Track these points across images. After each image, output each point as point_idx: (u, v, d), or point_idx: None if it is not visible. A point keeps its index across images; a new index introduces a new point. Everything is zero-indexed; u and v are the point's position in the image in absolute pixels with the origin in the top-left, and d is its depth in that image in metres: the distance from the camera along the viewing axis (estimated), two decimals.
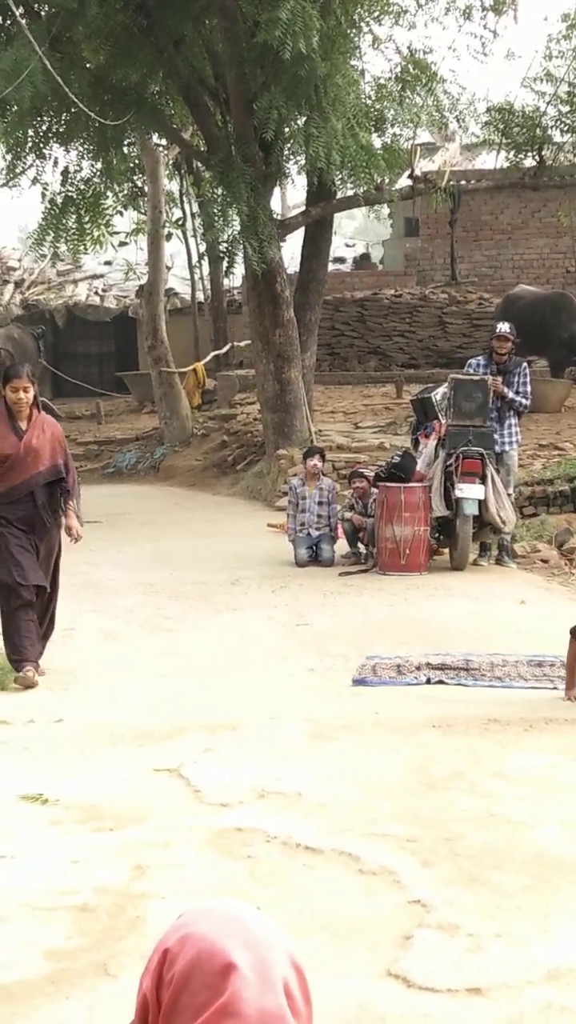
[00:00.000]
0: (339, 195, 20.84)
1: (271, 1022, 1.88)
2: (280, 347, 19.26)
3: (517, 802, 6.29)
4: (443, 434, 13.75)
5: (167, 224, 28.37)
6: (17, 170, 20.78)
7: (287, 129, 18.51)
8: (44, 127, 19.96)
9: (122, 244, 33.44)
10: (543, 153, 22.07)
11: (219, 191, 18.15)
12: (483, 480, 13.19)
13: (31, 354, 30.74)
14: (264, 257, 17.91)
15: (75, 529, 9.53)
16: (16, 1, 17.86)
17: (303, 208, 21.85)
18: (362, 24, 19.78)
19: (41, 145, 20.23)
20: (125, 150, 22.24)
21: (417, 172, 22.77)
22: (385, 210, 28.68)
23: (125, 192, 25.93)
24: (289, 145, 19.41)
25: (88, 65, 19.72)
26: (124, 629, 11.00)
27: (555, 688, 8.66)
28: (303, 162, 19.00)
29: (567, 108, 21.73)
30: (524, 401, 14.10)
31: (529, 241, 32.02)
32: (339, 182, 19.54)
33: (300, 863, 5.55)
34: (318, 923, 4.90)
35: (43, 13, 18.84)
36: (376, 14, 19.82)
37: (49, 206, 20.54)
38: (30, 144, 20.04)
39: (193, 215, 31.13)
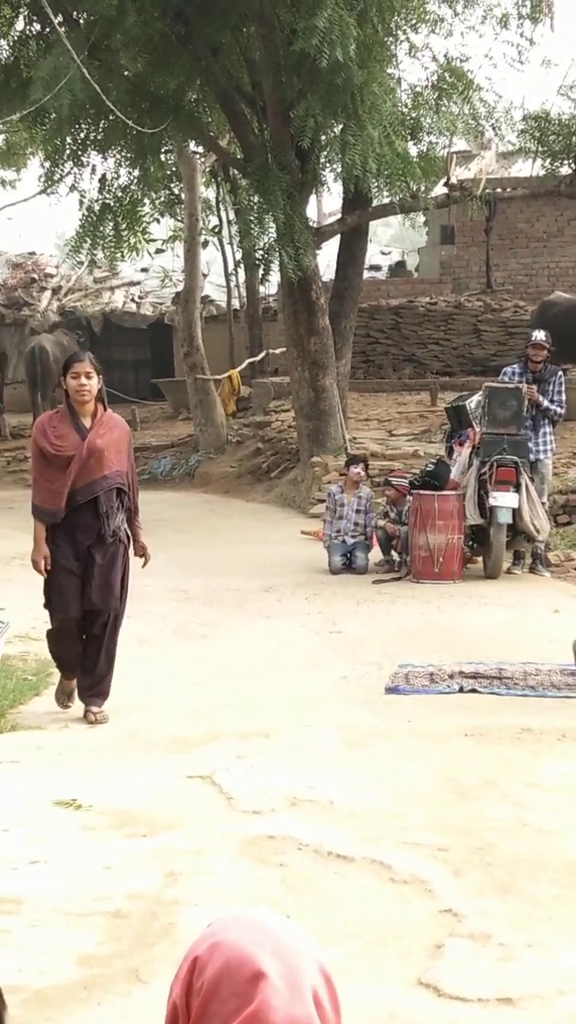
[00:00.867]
0: (375, 203, 20.84)
1: None
2: (315, 354, 19.27)
3: (550, 811, 6.29)
4: (477, 442, 13.74)
5: (203, 231, 28.44)
6: (55, 177, 20.87)
7: (323, 137, 18.53)
8: (82, 135, 20.02)
9: (159, 251, 33.49)
10: None
11: (255, 198, 18.19)
12: (517, 488, 13.18)
13: None
14: (300, 264, 17.93)
15: (144, 548, 8.61)
16: (55, 9, 17.96)
17: (339, 216, 21.88)
18: (398, 32, 19.79)
19: (79, 152, 20.30)
20: (162, 157, 22.31)
21: (453, 180, 22.76)
22: (421, 218, 28.64)
23: (162, 199, 26.01)
24: (325, 153, 19.43)
25: (126, 73, 19.78)
26: (158, 636, 11.02)
27: None
28: (339, 170, 19.00)
29: None
30: (559, 410, 14.08)
31: (565, 249, 31.90)
32: (375, 190, 19.55)
33: (332, 871, 5.56)
34: (349, 931, 4.91)
35: (81, 21, 18.92)
36: (413, 22, 19.83)
37: (87, 213, 20.60)
38: (68, 151, 20.11)
39: (229, 222, 31.16)
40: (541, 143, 21.90)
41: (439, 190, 23.36)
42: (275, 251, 18.14)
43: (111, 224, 20.96)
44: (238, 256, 30.89)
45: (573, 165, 21.95)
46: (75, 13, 19.16)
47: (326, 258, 23.99)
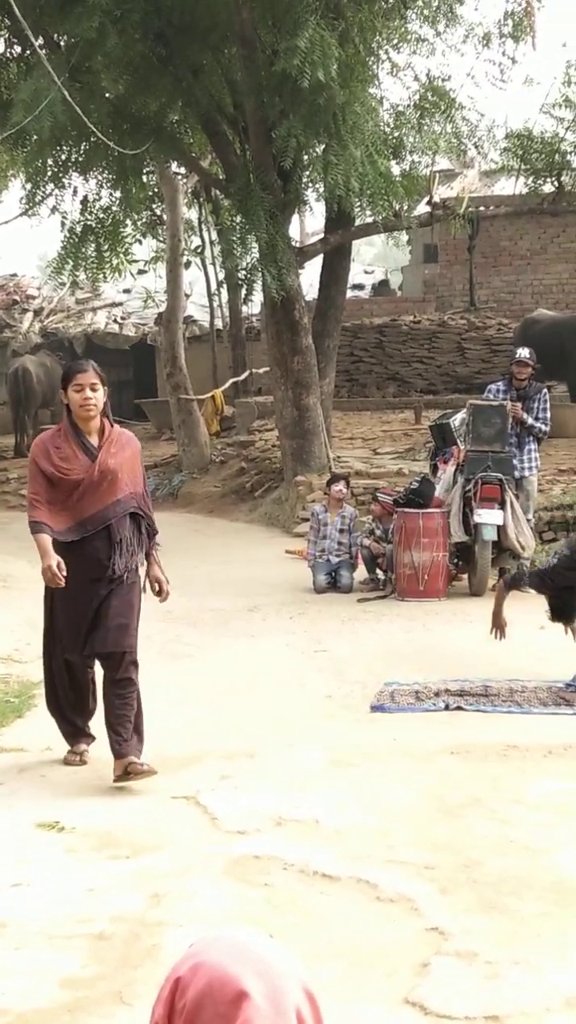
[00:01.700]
0: (358, 222, 20.88)
1: None
2: (298, 374, 19.27)
3: (536, 829, 6.27)
4: (462, 460, 13.75)
5: (186, 252, 28.45)
6: (36, 199, 20.86)
7: (306, 157, 18.55)
8: (63, 156, 20.03)
9: (141, 272, 33.50)
10: (562, 179, 22.07)
11: (238, 219, 18.22)
12: (502, 505, 13.18)
13: (59, 381, 30.90)
14: (283, 284, 17.94)
15: (161, 582, 7.59)
16: (35, 32, 17.97)
17: (321, 235, 21.91)
18: (380, 52, 19.84)
19: (60, 174, 20.31)
20: (144, 179, 22.32)
21: (436, 199, 22.80)
22: (404, 237, 28.65)
23: (144, 220, 25.98)
24: (308, 173, 19.45)
25: (107, 95, 19.81)
26: (142, 656, 10.96)
27: (575, 714, 8.63)
28: (322, 189, 19.02)
29: None
30: (543, 427, 14.10)
31: (548, 267, 32.00)
32: (358, 209, 19.59)
33: (317, 890, 5.54)
34: (335, 951, 4.89)
35: (62, 43, 18.95)
36: (394, 42, 19.89)
37: (68, 235, 20.62)
38: (49, 173, 20.11)
39: (212, 243, 31.22)
40: (524, 161, 21.97)
41: (422, 209, 23.40)
42: (258, 271, 18.15)
43: (93, 245, 20.97)
44: (221, 276, 31.05)
45: (556, 183, 22.04)
46: (56, 35, 19.19)
47: (309, 277, 23.97)
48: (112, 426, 7.49)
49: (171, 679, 10.08)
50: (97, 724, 7.76)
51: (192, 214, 31.07)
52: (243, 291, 20.26)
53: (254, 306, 31.27)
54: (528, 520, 13.78)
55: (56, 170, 20.12)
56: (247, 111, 18.42)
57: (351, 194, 17.63)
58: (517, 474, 13.78)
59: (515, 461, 13.79)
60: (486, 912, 5.25)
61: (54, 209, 20.90)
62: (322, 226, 22.96)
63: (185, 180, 26.26)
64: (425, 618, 12.40)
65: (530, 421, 13.89)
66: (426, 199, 22.79)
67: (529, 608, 11.32)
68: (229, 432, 27.36)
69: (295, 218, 27.38)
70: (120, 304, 37.69)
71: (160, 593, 7.61)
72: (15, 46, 20.73)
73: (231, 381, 29.42)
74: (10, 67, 20.64)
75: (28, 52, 19.51)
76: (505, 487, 13.28)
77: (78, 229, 20.70)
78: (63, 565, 7.15)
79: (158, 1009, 1.99)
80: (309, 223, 38.57)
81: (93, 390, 7.28)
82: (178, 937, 4.97)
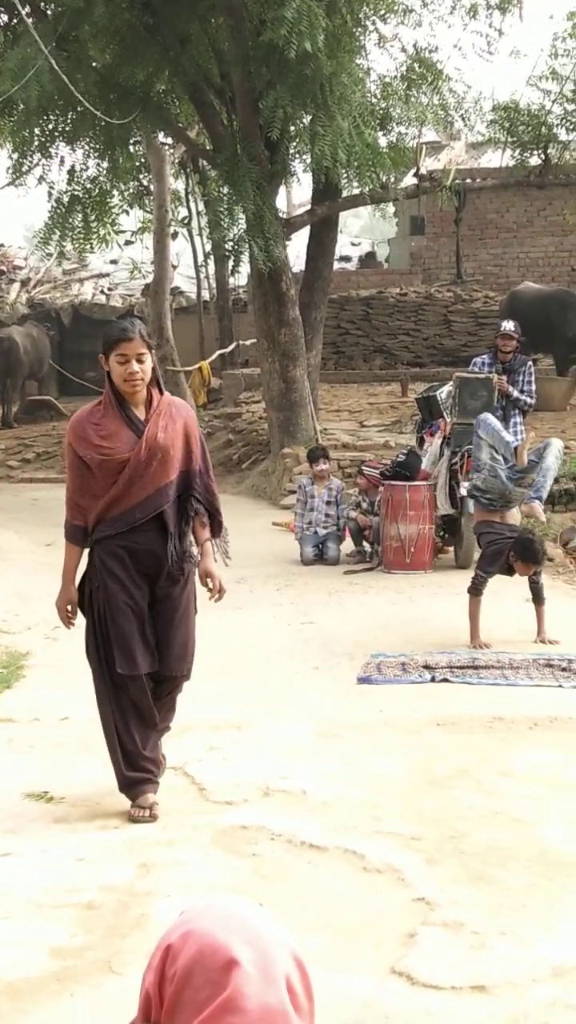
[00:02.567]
0: (345, 194, 20.81)
1: (273, 1018, 1.89)
2: (285, 345, 19.25)
3: (522, 800, 6.31)
4: (448, 432, 13.76)
5: (173, 223, 28.37)
6: (23, 169, 20.77)
7: (293, 128, 18.49)
8: (50, 126, 19.94)
9: (128, 243, 33.40)
10: (548, 151, 22.04)
11: (225, 190, 18.16)
12: None
13: (46, 352, 30.80)
14: (270, 256, 17.90)
15: (216, 578, 6.44)
16: (22, 0, 17.88)
17: (308, 207, 21.85)
18: (367, 23, 19.76)
19: (47, 144, 20.22)
20: (131, 149, 22.21)
21: (423, 171, 22.74)
22: (390, 209, 28.56)
23: (131, 191, 25.87)
24: (295, 144, 19.39)
25: (94, 64, 19.71)
26: None
27: (560, 687, 8.67)
28: (309, 161, 18.96)
29: (572, 106, 21.72)
30: (529, 400, 14.11)
31: (535, 239, 31.99)
32: (345, 181, 19.53)
33: (304, 861, 5.57)
34: (322, 921, 4.92)
35: (49, 12, 18.84)
36: (382, 13, 19.80)
37: (55, 205, 20.53)
38: (36, 143, 20.03)
39: (199, 214, 31.13)
40: (510, 133, 21.93)
41: (409, 181, 23.37)
42: (245, 242, 18.09)
43: (80, 216, 20.90)
44: (208, 247, 30.96)
45: (542, 156, 22.00)
46: (43, 4, 19.10)
47: (296, 249, 23.93)
48: (161, 395, 6.34)
49: None
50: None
51: (179, 185, 30.97)
52: (230, 262, 20.26)
53: (241, 278, 31.23)
54: None
55: (43, 140, 20.02)
56: (234, 81, 18.34)
57: (338, 165, 17.57)
58: None
59: None
60: (472, 883, 5.28)
61: (41, 179, 20.80)
62: (309, 197, 22.90)
63: (172, 150, 26.16)
64: (412, 590, 12.42)
65: (515, 394, 13.90)
66: (413, 171, 22.73)
67: (514, 581, 11.35)
68: (216, 404, 27.33)
69: (282, 189, 27.30)
70: (107, 275, 37.59)
71: (213, 591, 6.47)
72: (2, 15, 20.60)
73: (218, 353, 29.37)
74: None
75: (15, 21, 19.41)
76: None
77: (65, 199, 20.61)
78: (75, 607, 6.44)
79: (148, 976, 2.01)
80: (296, 194, 38.47)
81: (140, 361, 6.15)
82: (166, 907, 5.00)
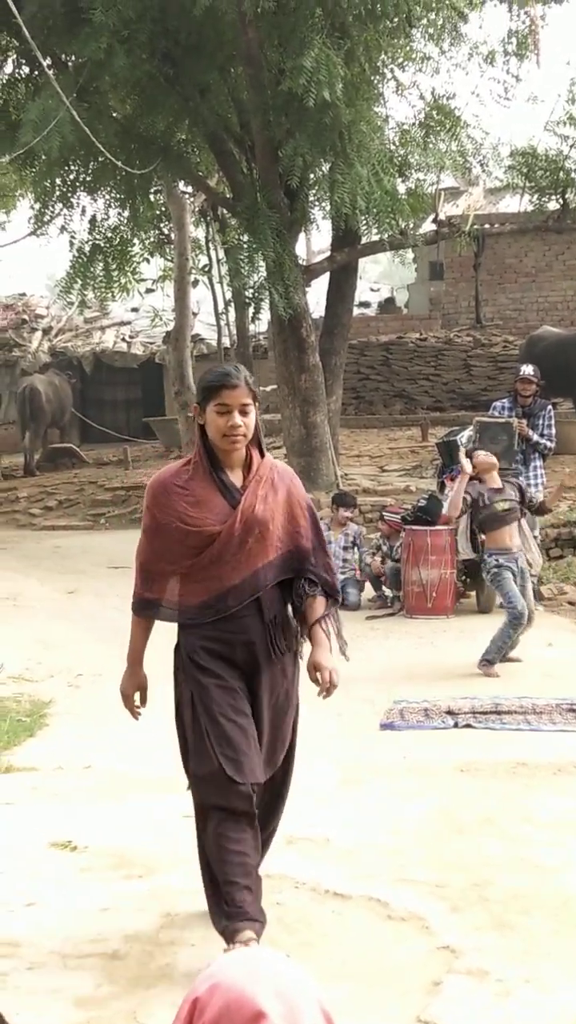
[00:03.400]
0: (364, 240, 20.92)
1: None
2: (306, 391, 19.32)
3: (546, 847, 6.28)
4: None
5: (193, 271, 28.49)
6: (45, 218, 20.97)
7: (312, 175, 18.63)
8: (72, 176, 20.14)
9: (149, 291, 33.52)
10: (567, 196, 22.12)
11: (245, 238, 18.27)
12: None
13: (68, 400, 30.94)
14: (290, 303, 17.99)
15: (327, 671, 5.42)
16: (44, 52, 18.07)
17: (328, 253, 21.96)
18: (385, 71, 19.93)
19: (69, 194, 20.41)
20: (152, 198, 22.39)
21: (441, 216, 22.88)
22: (410, 254, 28.74)
23: (152, 239, 26.07)
24: (314, 191, 19.53)
25: (115, 114, 19.91)
26: (154, 675, 10.98)
27: None
28: (328, 208, 19.10)
29: None
30: (549, 444, 14.12)
31: (553, 283, 32.04)
32: (364, 227, 19.63)
33: (329, 909, 5.56)
34: (347, 970, 4.90)
35: (70, 64, 19.06)
36: (399, 61, 19.97)
37: (77, 254, 20.70)
38: (58, 193, 20.23)
39: (219, 261, 31.22)
40: (528, 179, 22.03)
41: (428, 227, 23.48)
42: (265, 289, 18.21)
43: (101, 264, 21.06)
44: (228, 295, 31.01)
45: (560, 200, 22.08)
46: (64, 56, 19.31)
47: (316, 295, 24.10)
48: (262, 457, 5.32)
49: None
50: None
51: (199, 233, 31.11)
52: (250, 310, 20.30)
53: (261, 324, 31.33)
54: (535, 537, 13.78)
55: (64, 189, 20.23)
56: (253, 130, 18.49)
57: (357, 212, 17.68)
58: None
59: (521, 478, 13.81)
60: (497, 930, 5.27)
61: (62, 228, 21.00)
62: (328, 244, 22.99)
63: (192, 199, 26.32)
64: (433, 635, 12.41)
65: (535, 438, 13.92)
66: (432, 217, 22.85)
67: (536, 625, 11.34)
68: None
69: (302, 236, 27.47)
70: (128, 323, 37.75)
71: (322, 686, 5.46)
72: (24, 66, 20.83)
73: None
74: (19, 87, 20.74)
75: (36, 72, 19.62)
76: None
77: (86, 248, 20.78)
78: (144, 692, 5.61)
79: None
80: (315, 241, 38.63)
81: (244, 413, 5.16)
82: (191, 957, 5.00)
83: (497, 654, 10.68)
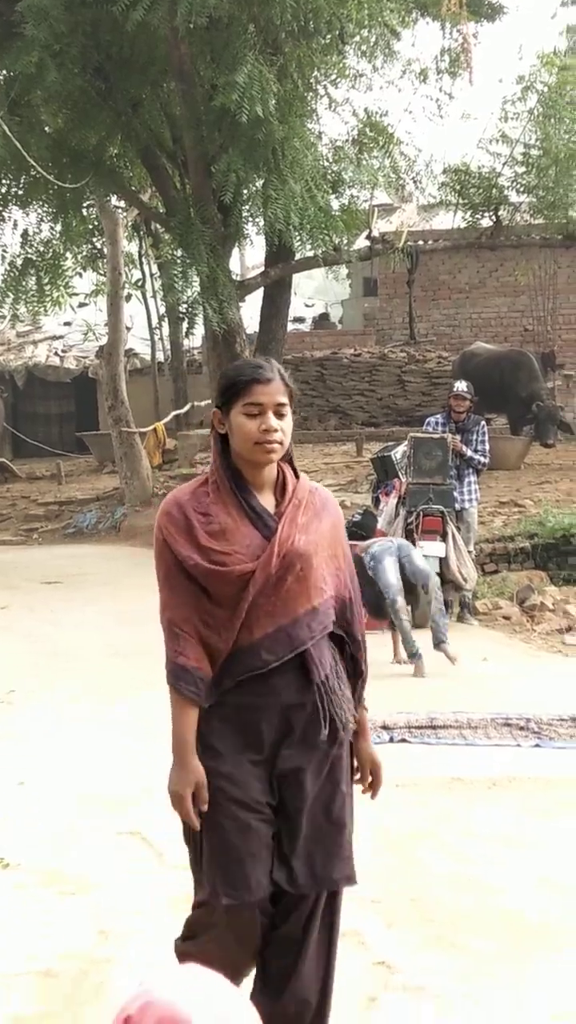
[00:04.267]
0: (298, 256, 20.97)
1: None
2: None
3: (482, 861, 6.28)
4: (403, 492, 13.81)
5: (126, 285, 28.47)
6: None
7: (245, 191, 18.63)
8: (3, 190, 20.05)
9: (82, 305, 33.50)
10: (499, 213, 22.30)
11: (179, 252, 18.24)
12: (444, 537, 13.24)
13: (0, 415, 30.82)
14: (224, 318, 17.98)
15: (379, 767, 4.38)
16: None
17: (262, 269, 21.99)
18: (318, 87, 20.00)
19: (0, 208, 20.31)
20: (84, 212, 22.35)
21: (375, 233, 22.98)
22: (344, 270, 28.92)
23: (84, 254, 26.03)
24: (248, 207, 19.53)
25: (47, 128, 19.83)
26: (90, 694, 10.93)
27: (518, 746, 8.66)
28: (262, 224, 19.11)
29: (522, 169, 21.97)
30: (483, 459, 14.19)
31: (487, 300, 32.24)
32: (298, 243, 19.67)
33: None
34: None
35: (1, 78, 18.96)
36: (332, 77, 20.03)
37: (9, 268, 20.64)
38: None
39: (152, 276, 31.25)
40: (462, 196, 22.19)
41: (361, 243, 23.56)
42: (199, 304, 18.19)
43: (34, 278, 20.99)
44: (162, 309, 31.00)
45: (493, 217, 22.24)
46: None
47: (250, 310, 24.10)
48: (297, 478, 4.20)
49: (118, 714, 10.03)
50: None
51: (132, 247, 31.12)
52: (184, 324, 20.28)
53: (195, 339, 31.34)
54: (469, 552, 13.84)
55: None
56: (186, 145, 18.47)
57: (291, 228, 17.69)
58: (458, 506, 13.86)
59: (455, 493, 13.87)
60: (434, 946, 5.25)
61: None
62: (262, 259, 23.04)
63: (125, 214, 26.29)
64: (369, 650, 12.37)
65: (469, 453, 13.98)
66: (365, 233, 22.95)
67: (471, 640, 11.38)
68: (171, 465, 27.36)
69: (235, 251, 27.49)
70: (61, 337, 37.68)
71: (364, 782, 4.36)
72: None
73: (173, 414, 29.43)
74: None
75: None
76: (447, 519, 13.35)
77: (18, 263, 20.71)
78: (204, 788, 3.94)
79: None
80: (249, 256, 38.74)
81: (279, 415, 4.08)
82: (125, 975, 4.95)
83: (444, 632, 10.91)
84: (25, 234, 21.03)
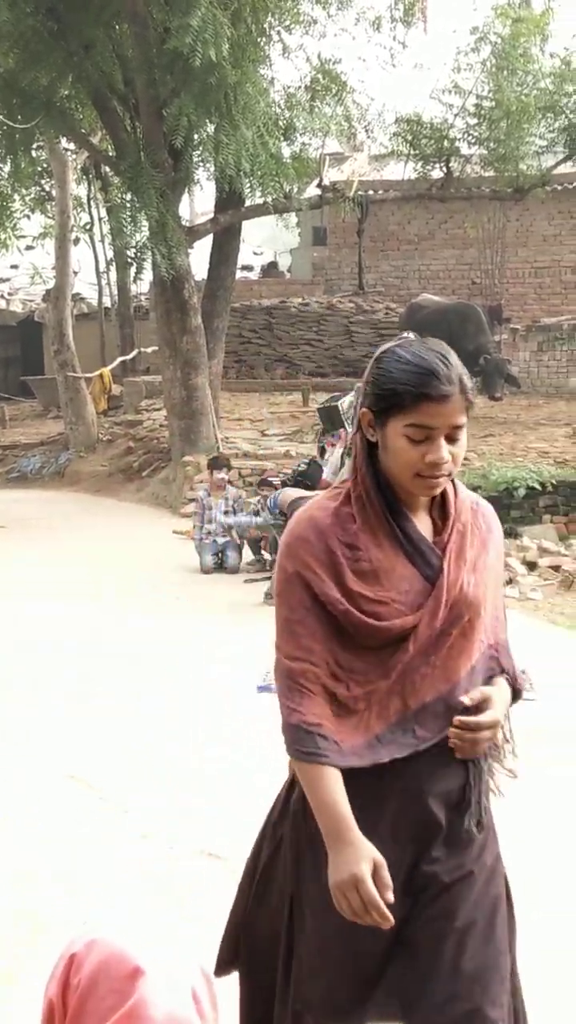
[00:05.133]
0: (248, 203, 20.87)
1: None
2: (187, 353, 19.25)
3: None
4: (349, 442, 13.80)
5: (75, 229, 28.24)
6: None
7: (197, 136, 18.49)
8: None
9: (29, 248, 33.22)
10: (450, 165, 22.26)
11: (128, 197, 18.10)
12: None
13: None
14: (172, 263, 17.88)
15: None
16: None
17: (212, 215, 21.87)
18: (272, 33, 19.83)
19: None
20: (33, 154, 22.12)
21: (326, 181, 22.89)
22: (293, 219, 28.75)
23: (33, 196, 25.81)
24: (198, 152, 19.39)
25: None
26: (30, 638, 10.93)
27: None
28: (212, 169, 19.00)
29: (474, 120, 21.94)
30: None
31: (435, 252, 32.23)
32: (248, 190, 19.56)
33: (206, 868, 5.55)
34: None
35: None
36: (286, 23, 19.89)
37: None
38: None
39: (101, 220, 31.03)
40: (413, 146, 22.13)
41: (312, 191, 23.47)
42: (148, 249, 18.08)
43: None
44: (110, 254, 30.85)
45: (444, 169, 22.20)
46: None
47: (199, 257, 23.94)
48: (457, 495, 3.26)
49: (64, 655, 10.02)
50: None
51: (82, 191, 30.86)
52: (132, 269, 20.16)
53: (143, 285, 31.18)
54: None
55: None
56: (138, 88, 18.30)
57: (242, 174, 17.59)
58: None
59: None
60: None
61: None
62: (212, 206, 22.89)
63: (75, 156, 26.05)
64: None
65: None
66: (316, 181, 22.87)
67: None
68: (116, 411, 27.27)
69: (185, 197, 27.31)
70: (7, 280, 37.40)
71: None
72: None
73: (119, 360, 29.31)
74: None
75: None
76: None
77: None
78: (381, 866, 2.91)
79: (52, 986, 2.00)
80: (199, 202, 38.50)
81: (453, 440, 3.06)
82: (65, 916, 4.97)
83: None
84: None
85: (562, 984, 4.52)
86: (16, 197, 22.47)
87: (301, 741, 3.01)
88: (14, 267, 37.26)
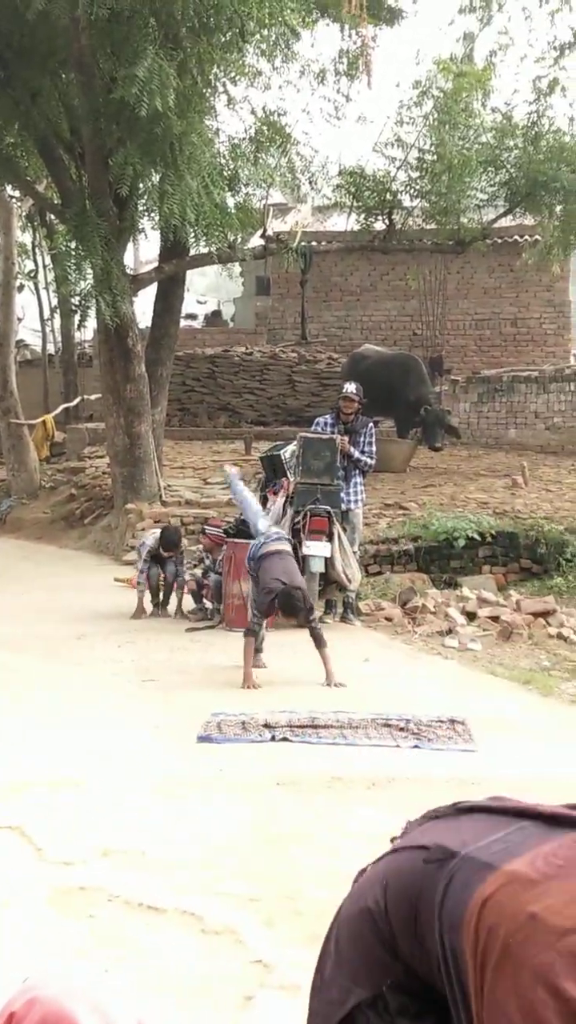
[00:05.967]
0: (192, 252, 20.96)
1: None
2: (131, 401, 19.26)
3: (361, 860, 6.31)
4: (291, 491, 13.84)
5: (19, 275, 28.23)
6: None
7: (142, 185, 18.56)
8: None
9: None
10: (393, 217, 22.46)
11: (73, 244, 18.13)
12: (330, 538, 13.30)
13: None
14: (117, 311, 17.92)
15: None
16: None
17: (156, 264, 21.94)
18: (218, 84, 19.97)
19: None
20: None
21: (269, 232, 23.04)
22: (237, 268, 28.85)
23: None
24: (144, 201, 19.46)
25: None
26: None
27: (397, 746, 8.74)
28: (157, 218, 19.06)
29: (416, 174, 22.16)
30: (369, 460, 14.28)
31: (377, 303, 32.46)
32: (192, 239, 19.66)
33: (143, 922, 5.53)
34: (162, 984, 4.88)
35: None
36: (232, 75, 20.03)
37: None
38: None
39: (46, 267, 31.04)
40: (356, 198, 22.33)
41: (256, 241, 23.61)
42: (92, 297, 18.10)
43: None
44: (54, 301, 30.84)
45: (387, 221, 22.39)
46: None
47: (143, 305, 24.01)
48: None
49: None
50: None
51: (26, 238, 30.89)
52: (77, 317, 20.18)
53: (87, 332, 31.18)
54: (354, 553, 13.93)
55: None
56: (84, 137, 18.38)
57: (186, 224, 17.66)
58: (344, 507, 13.93)
59: (342, 494, 13.94)
60: (310, 944, 5.27)
61: None
62: (157, 254, 22.98)
63: (20, 203, 26.09)
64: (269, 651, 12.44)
65: (356, 454, 14.06)
66: (260, 232, 22.99)
67: (354, 640, 11.45)
68: (59, 458, 27.21)
69: (130, 246, 27.39)
70: None
71: None
72: None
73: (62, 407, 29.28)
74: None
75: None
76: (333, 519, 13.42)
77: None
78: None
79: None
80: (144, 251, 38.62)
81: None
82: (1, 970, 4.93)
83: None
84: None
85: None
86: None
87: None
88: None
